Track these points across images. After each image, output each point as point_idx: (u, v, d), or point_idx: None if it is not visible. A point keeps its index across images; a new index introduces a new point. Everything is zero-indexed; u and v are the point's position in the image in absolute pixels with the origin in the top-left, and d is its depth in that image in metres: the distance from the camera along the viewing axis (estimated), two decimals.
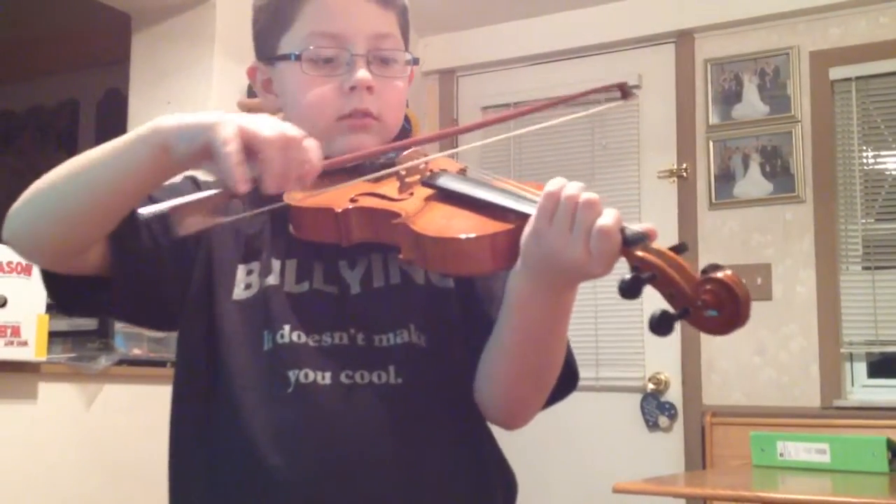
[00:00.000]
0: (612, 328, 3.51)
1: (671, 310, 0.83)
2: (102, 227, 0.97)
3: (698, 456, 3.42)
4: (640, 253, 0.85)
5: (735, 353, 3.46)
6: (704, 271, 0.83)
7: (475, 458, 1.08)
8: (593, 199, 0.88)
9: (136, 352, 2.83)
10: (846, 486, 2.23)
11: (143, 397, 2.76)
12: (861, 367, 3.37)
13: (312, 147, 0.92)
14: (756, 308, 3.27)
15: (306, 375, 1.01)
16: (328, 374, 1.01)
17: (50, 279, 1.03)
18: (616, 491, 2.16)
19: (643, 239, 0.86)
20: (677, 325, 0.84)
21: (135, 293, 1.03)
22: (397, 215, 0.96)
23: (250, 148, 0.88)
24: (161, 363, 2.79)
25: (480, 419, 1.10)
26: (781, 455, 2.43)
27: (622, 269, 0.87)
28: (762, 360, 3.44)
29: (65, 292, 1.04)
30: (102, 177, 0.94)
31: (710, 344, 3.48)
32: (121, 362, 2.75)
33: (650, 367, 3.56)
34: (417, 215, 0.96)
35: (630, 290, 0.83)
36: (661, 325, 0.83)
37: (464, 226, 0.94)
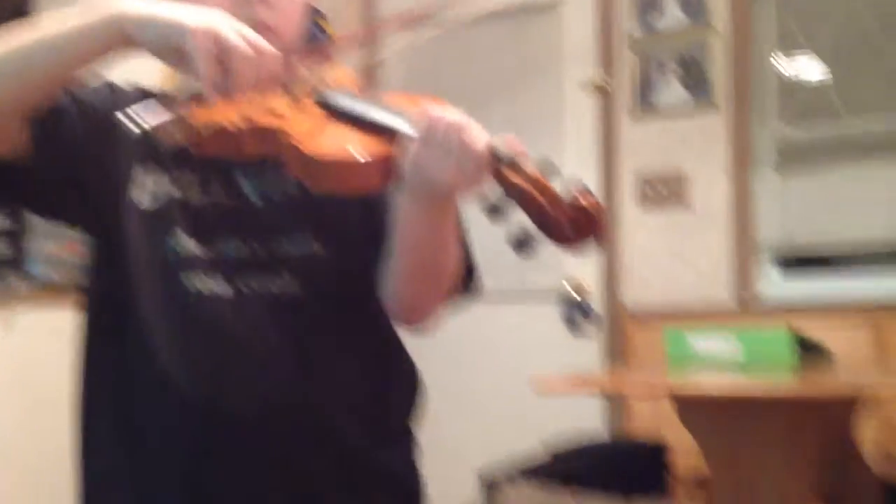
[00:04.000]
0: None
1: (533, 229, 0.87)
2: (26, 103, 0.96)
3: (618, 357, 3.53)
4: (508, 174, 0.89)
5: (654, 256, 3.55)
6: (567, 192, 0.87)
7: (376, 366, 1.11)
8: (465, 124, 0.91)
9: (53, 277, 2.79)
10: (756, 379, 2.31)
11: (60, 322, 2.72)
12: (772, 266, 3.50)
13: (278, 59, 0.95)
14: (674, 212, 3.37)
15: (205, 284, 1.03)
16: (226, 283, 1.03)
17: None
18: (534, 387, 2.21)
19: (511, 160, 0.89)
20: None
21: (50, 179, 1.03)
22: (287, 134, 0.97)
23: (221, 59, 0.90)
24: (77, 288, 2.74)
25: (384, 328, 1.13)
26: (695, 352, 2.51)
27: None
28: (679, 263, 3.53)
29: None
30: (48, 57, 0.94)
31: (630, 248, 3.58)
32: (36, 287, 2.71)
33: (570, 272, 3.63)
34: (306, 134, 0.97)
35: (496, 210, 0.87)
36: (523, 244, 0.87)
37: (351, 147, 0.95)
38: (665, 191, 3.54)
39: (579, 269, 3.61)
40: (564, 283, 3.60)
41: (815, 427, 2.12)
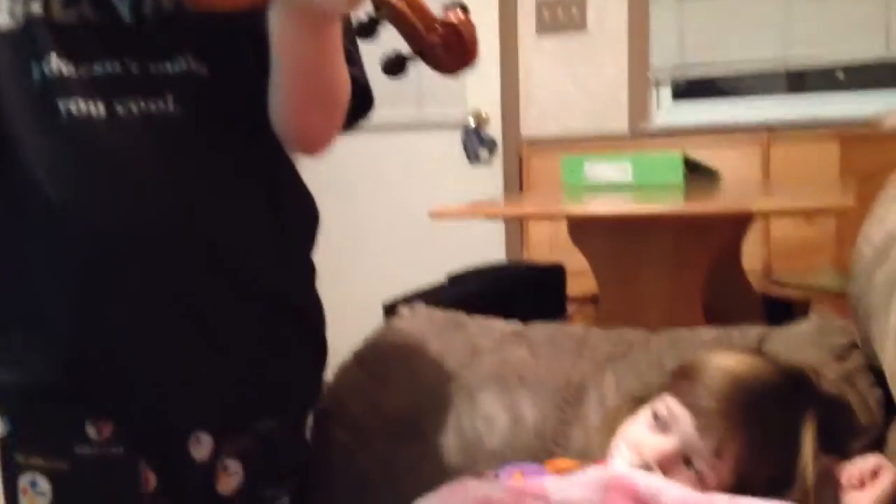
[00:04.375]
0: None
1: (405, 50, 0.85)
2: None
3: (517, 185, 3.59)
4: None
5: (551, 84, 3.56)
6: (441, 10, 0.86)
7: (268, 192, 1.09)
8: None
9: None
10: (646, 198, 2.38)
11: None
12: (666, 92, 3.56)
13: None
14: (571, 38, 3.34)
15: (78, 106, 0.99)
16: (101, 104, 1.00)
17: None
18: (433, 216, 2.23)
19: None
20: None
21: None
22: None
23: None
24: None
25: (275, 154, 1.11)
26: (590, 178, 2.56)
27: None
28: (576, 90, 3.56)
29: None
30: None
31: (529, 77, 3.58)
32: None
33: (471, 103, 3.62)
34: None
35: (366, 28, 0.85)
36: (394, 65, 0.85)
37: None
38: (563, 15, 3.51)
39: (477, 98, 3.60)
40: (468, 114, 3.59)
41: (701, 246, 2.21)
